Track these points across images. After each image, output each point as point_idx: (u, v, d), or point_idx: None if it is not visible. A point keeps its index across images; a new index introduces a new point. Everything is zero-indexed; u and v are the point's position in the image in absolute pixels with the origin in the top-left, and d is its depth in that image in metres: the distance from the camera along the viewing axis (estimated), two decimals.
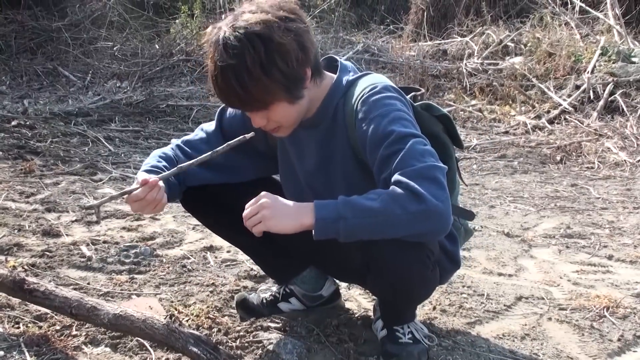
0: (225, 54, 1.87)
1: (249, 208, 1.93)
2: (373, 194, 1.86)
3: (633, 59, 8.70)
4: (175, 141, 2.37)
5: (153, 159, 2.23)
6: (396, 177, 1.85)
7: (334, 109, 2.12)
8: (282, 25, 1.90)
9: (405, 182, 1.83)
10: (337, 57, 2.25)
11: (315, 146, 2.17)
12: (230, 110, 2.34)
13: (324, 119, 2.13)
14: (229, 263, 3.28)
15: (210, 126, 2.36)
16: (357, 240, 1.89)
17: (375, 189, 1.89)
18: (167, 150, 2.30)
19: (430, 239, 2.00)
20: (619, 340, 2.52)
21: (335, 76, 2.16)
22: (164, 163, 2.20)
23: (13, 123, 6.83)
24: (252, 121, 2.06)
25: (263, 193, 1.94)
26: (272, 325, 2.48)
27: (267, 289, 2.70)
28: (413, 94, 2.27)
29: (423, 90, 2.38)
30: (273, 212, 1.90)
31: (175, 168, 2.10)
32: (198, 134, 2.37)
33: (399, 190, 1.83)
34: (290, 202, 1.93)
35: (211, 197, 2.33)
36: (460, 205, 2.40)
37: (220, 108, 2.39)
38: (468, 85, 9.31)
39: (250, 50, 1.86)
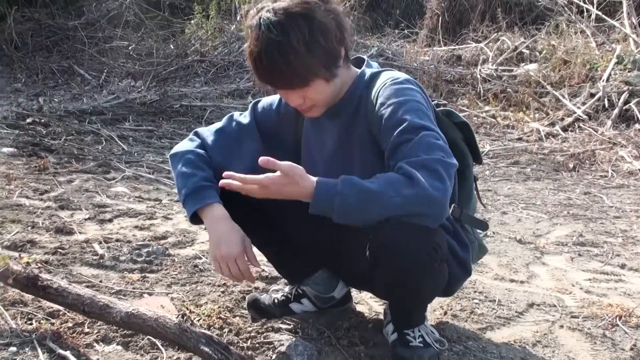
0: (271, 33, 1.95)
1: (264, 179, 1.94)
2: (373, 178, 1.91)
3: None
4: (205, 133, 2.37)
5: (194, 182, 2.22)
6: (400, 164, 1.91)
7: (358, 100, 2.18)
8: (321, 6, 2.01)
9: (405, 168, 1.88)
10: (364, 57, 2.31)
11: (337, 135, 2.22)
12: (263, 103, 2.41)
13: (347, 108, 2.19)
14: None
15: (245, 118, 2.39)
16: (350, 221, 1.92)
17: (379, 174, 1.93)
18: (196, 156, 2.29)
19: (423, 224, 1.96)
20: (631, 349, 2.51)
21: (360, 70, 2.24)
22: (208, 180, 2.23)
23: (28, 120, 6.86)
24: (289, 101, 2.14)
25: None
26: (283, 326, 2.48)
27: (279, 290, 2.70)
28: (437, 101, 2.31)
29: (447, 103, 2.44)
30: (271, 192, 1.95)
31: None
32: (231, 123, 2.39)
33: (397, 175, 1.89)
34: (291, 187, 1.93)
35: (227, 194, 2.33)
36: (477, 216, 2.40)
37: (253, 102, 2.44)
38: (482, 91, 9.29)
39: (295, 29, 1.95)
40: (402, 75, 2.16)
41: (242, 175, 1.96)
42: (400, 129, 1.97)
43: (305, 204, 1.94)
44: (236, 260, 2.11)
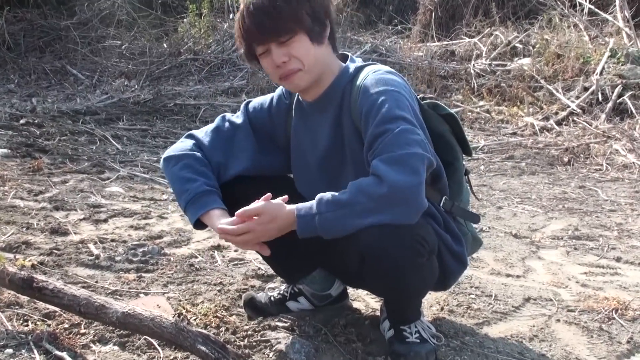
0: None
1: (236, 233, 2.02)
2: (347, 187, 1.96)
3: None
4: (199, 134, 2.36)
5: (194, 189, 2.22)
6: (374, 161, 1.94)
7: (342, 93, 2.18)
8: None
9: (376, 167, 1.92)
10: (347, 53, 2.32)
11: (327, 132, 2.22)
12: (254, 103, 2.41)
13: (331, 101, 2.20)
14: (236, 262, 3.28)
15: (238, 118, 2.39)
16: (338, 234, 1.98)
17: (353, 182, 1.97)
18: (195, 160, 2.29)
19: (401, 221, 1.96)
20: (628, 342, 2.51)
21: (345, 64, 2.25)
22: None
23: (22, 121, 6.85)
24: (275, 59, 2.10)
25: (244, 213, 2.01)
26: (280, 324, 2.47)
27: (276, 288, 2.70)
28: (422, 95, 2.31)
29: (433, 96, 2.45)
30: (260, 224, 2.01)
31: None
32: (224, 123, 2.39)
33: (368, 179, 1.93)
34: (275, 222, 2.01)
35: (225, 196, 2.33)
36: (468, 208, 2.40)
37: (245, 102, 2.44)
38: (476, 86, 9.29)
39: None
40: (385, 68, 2.18)
41: (231, 228, 2.02)
42: (377, 119, 1.99)
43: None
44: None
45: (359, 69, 2.20)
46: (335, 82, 2.20)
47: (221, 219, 2.11)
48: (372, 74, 2.12)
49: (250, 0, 2.06)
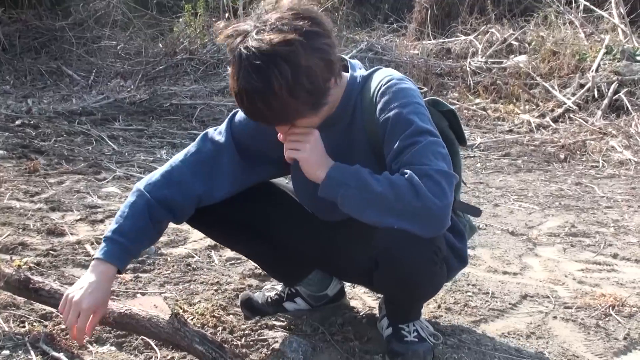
0: (250, 77, 1.83)
1: (297, 135, 2.01)
2: (381, 176, 1.90)
3: (638, 58, 8.66)
4: (177, 160, 2.24)
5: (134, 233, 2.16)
6: (404, 170, 1.88)
7: (353, 106, 2.11)
8: (306, 45, 1.84)
9: (410, 176, 1.85)
10: (344, 57, 2.20)
11: (333, 144, 2.10)
12: (239, 116, 2.25)
13: (343, 117, 2.12)
14: (233, 262, 3.28)
15: (221, 136, 2.25)
16: (352, 214, 1.94)
17: (387, 173, 1.92)
18: (133, 204, 2.18)
19: (419, 234, 1.93)
20: (624, 339, 2.52)
21: (348, 74, 2.13)
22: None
23: (17, 122, 6.82)
24: (278, 130, 2.05)
25: (316, 133, 2.01)
26: (277, 323, 2.47)
27: (272, 288, 2.69)
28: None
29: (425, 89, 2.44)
30: (311, 151, 1.99)
31: None
32: (206, 144, 2.25)
33: (404, 180, 1.86)
34: (324, 153, 2.01)
35: (215, 212, 2.28)
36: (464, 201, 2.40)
37: (230, 115, 2.30)
38: (472, 84, 9.29)
39: (277, 74, 1.81)
40: (395, 74, 2.09)
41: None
42: (406, 133, 1.94)
43: (292, 210, 2.07)
44: (80, 312, 2.00)
45: (366, 79, 2.12)
46: (344, 100, 2.09)
47: (104, 269, 2.10)
48: (386, 86, 2.03)
49: (242, 90, 1.87)
